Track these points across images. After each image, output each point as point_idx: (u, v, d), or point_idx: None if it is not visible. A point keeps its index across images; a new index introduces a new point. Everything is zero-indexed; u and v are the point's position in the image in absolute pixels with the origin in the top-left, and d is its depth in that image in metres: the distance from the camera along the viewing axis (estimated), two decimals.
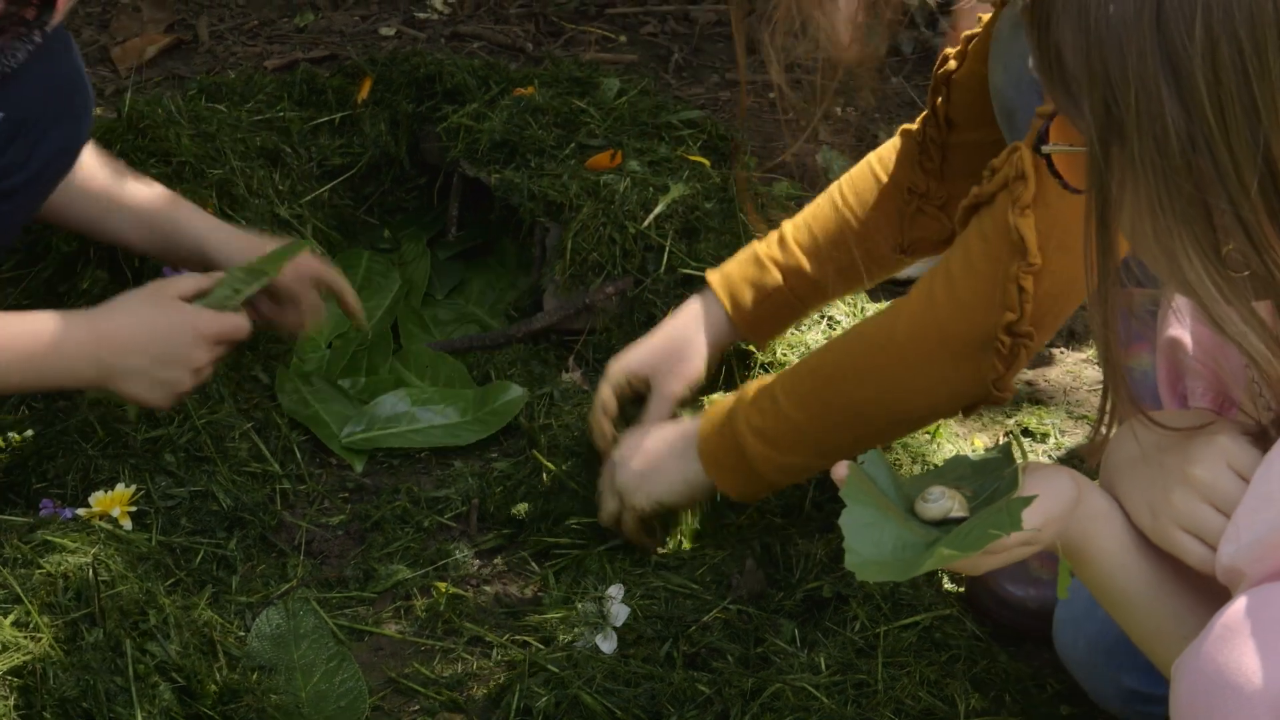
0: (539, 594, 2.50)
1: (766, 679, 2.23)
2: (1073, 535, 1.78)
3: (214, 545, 2.55)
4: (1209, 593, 1.76)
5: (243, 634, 2.40)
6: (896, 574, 1.67)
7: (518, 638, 2.41)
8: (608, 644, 2.34)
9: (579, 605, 2.40)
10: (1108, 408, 1.75)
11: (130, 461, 2.60)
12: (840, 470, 1.76)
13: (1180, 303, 2.04)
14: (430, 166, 3.38)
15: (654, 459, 2.50)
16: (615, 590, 2.40)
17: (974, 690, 2.26)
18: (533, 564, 2.59)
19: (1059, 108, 1.64)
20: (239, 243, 2.77)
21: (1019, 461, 1.78)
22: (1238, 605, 1.58)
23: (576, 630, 2.36)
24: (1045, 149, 1.70)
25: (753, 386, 2.42)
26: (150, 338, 2.49)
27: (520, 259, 3.27)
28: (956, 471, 1.82)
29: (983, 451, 1.89)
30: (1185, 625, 1.76)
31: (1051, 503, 1.74)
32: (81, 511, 2.46)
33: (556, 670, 2.27)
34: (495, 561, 2.62)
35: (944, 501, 1.75)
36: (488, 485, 2.73)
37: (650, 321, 3.00)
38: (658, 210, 3.07)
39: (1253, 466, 1.68)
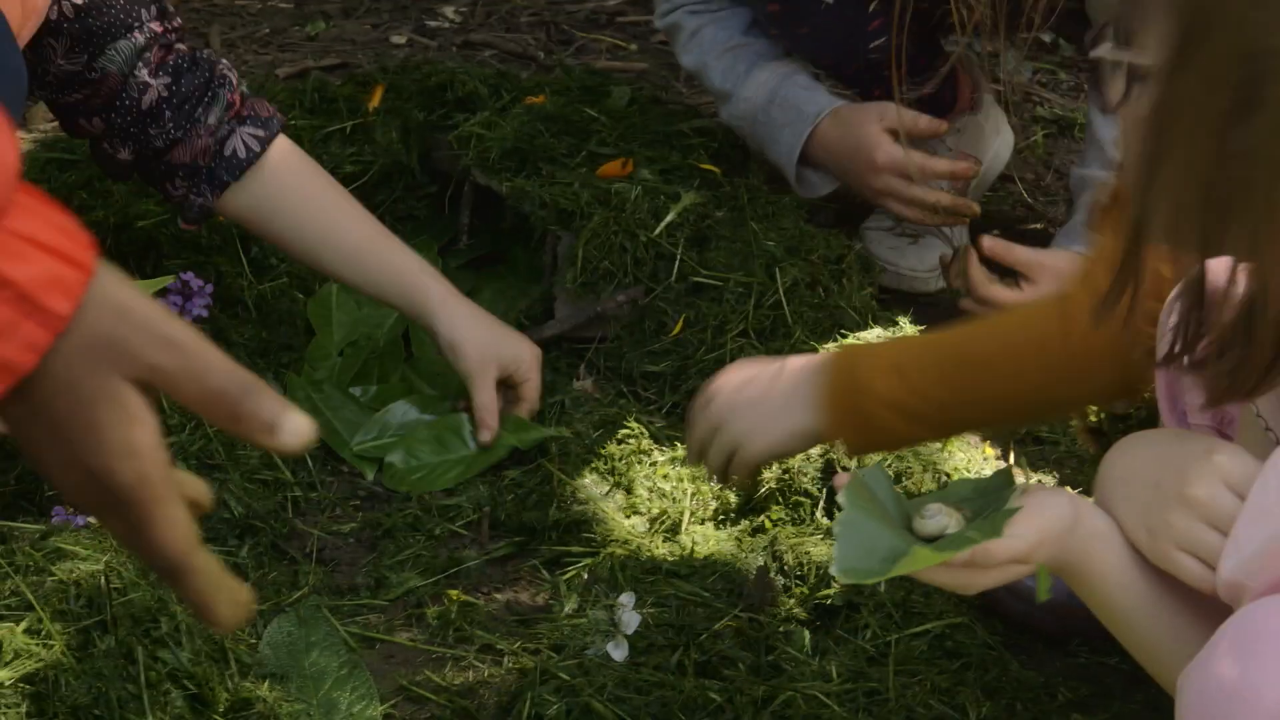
0: (550, 602, 2.50)
1: (778, 687, 2.23)
2: (1072, 555, 1.78)
3: (225, 553, 2.56)
4: (1209, 611, 1.76)
5: (254, 641, 2.40)
6: (876, 575, 1.68)
7: (529, 645, 2.41)
8: (619, 652, 2.34)
9: (590, 613, 2.40)
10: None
11: None
12: (841, 479, 1.76)
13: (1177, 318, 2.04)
14: (441, 174, 3.39)
15: (767, 409, 2.40)
16: (626, 598, 2.40)
17: (985, 698, 2.26)
18: (544, 572, 2.59)
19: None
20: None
21: (1018, 484, 1.79)
22: (1243, 618, 1.58)
23: (588, 638, 2.36)
24: (1095, 53, 1.69)
25: (880, 360, 2.35)
26: None
27: (531, 267, 3.27)
28: (957, 493, 1.83)
29: (986, 473, 1.89)
30: (1187, 643, 1.76)
31: (1045, 521, 1.74)
32: (94, 519, 2.46)
33: (568, 678, 2.27)
34: (506, 569, 2.62)
35: (940, 518, 1.75)
36: (499, 493, 2.73)
37: (662, 330, 3.00)
38: (669, 218, 3.07)
39: (1249, 484, 1.68)
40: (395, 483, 2.79)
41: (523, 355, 2.83)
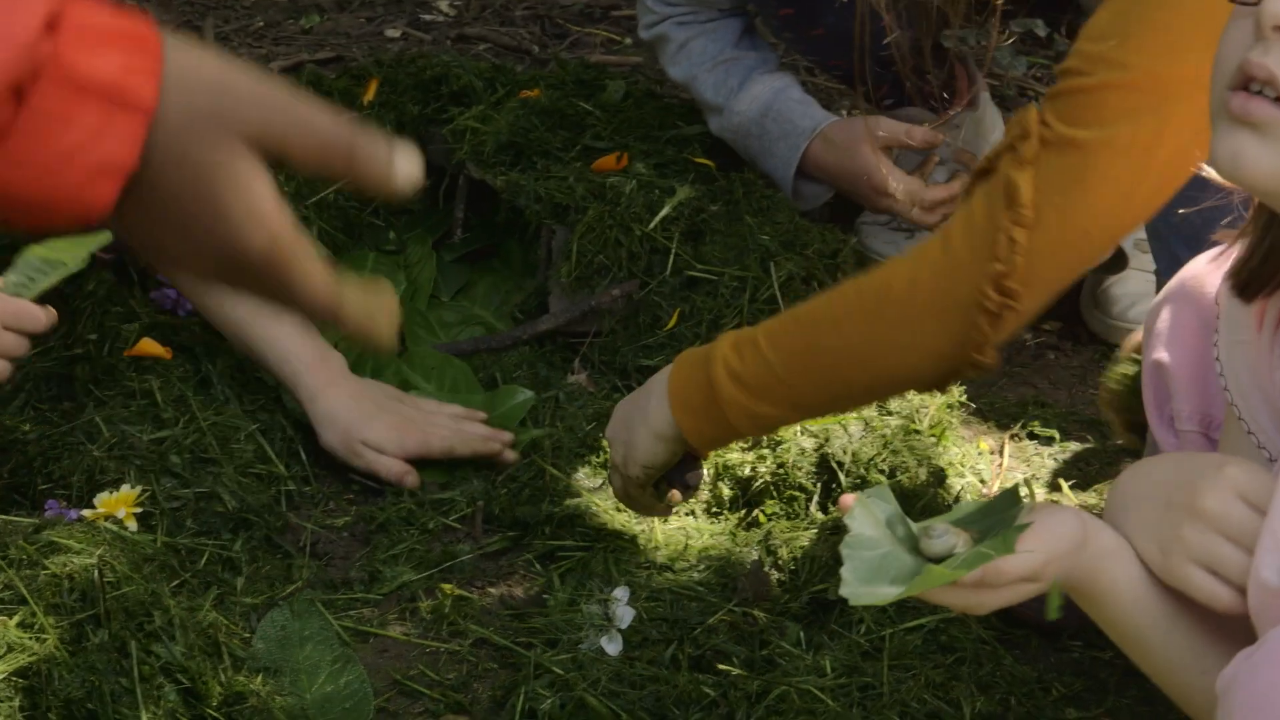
0: (544, 596, 2.50)
1: (772, 681, 2.23)
2: (1082, 574, 1.76)
3: (219, 546, 2.55)
4: (1224, 628, 1.75)
5: (248, 635, 2.40)
6: (886, 597, 1.67)
7: (522, 640, 2.40)
8: (613, 646, 2.33)
9: (584, 607, 2.40)
10: None
11: (136, 463, 2.59)
12: (847, 500, 1.74)
13: (1163, 324, 2.04)
14: (436, 168, 3.38)
15: (629, 424, 2.44)
16: (620, 592, 2.40)
17: (980, 693, 2.26)
18: (538, 566, 2.59)
19: None
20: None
21: (1025, 502, 1.77)
22: None
23: (582, 632, 2.36)
24: None
25: (733, 333, 2.36)
26: None
27: (526, 261, 3.27)
28: (963, 514, 1.81)
29: (983, 469, 1.88)
30: (1202, 659, 1.74)
31: (1054, 540, 1.71)
32: (87, 512, 2.46)
33: (561, 672, 2.27)
34: (500, 563, 2.62)
35: (948, 538, 1.72)
36: (493, 487, 2.73)
37: (656, 324, 3.00)
38: (664, 213, 3.07)
39: (1263, 493, 1.67)
40: None
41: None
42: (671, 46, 3.39)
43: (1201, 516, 1.70)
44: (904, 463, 2.71)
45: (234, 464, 2.66)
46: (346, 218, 3.30)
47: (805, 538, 2.52)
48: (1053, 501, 1.81)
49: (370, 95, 3.41)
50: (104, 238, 2.52)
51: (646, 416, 2.40)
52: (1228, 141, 1.61)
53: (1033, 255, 2.13)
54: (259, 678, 2.29)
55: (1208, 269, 1.99)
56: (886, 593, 1.66)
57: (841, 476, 2.64)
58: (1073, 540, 1.73)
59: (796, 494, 2.62)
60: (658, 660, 2.31)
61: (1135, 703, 2.33)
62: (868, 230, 3.41)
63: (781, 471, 2.64)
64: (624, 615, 2.37)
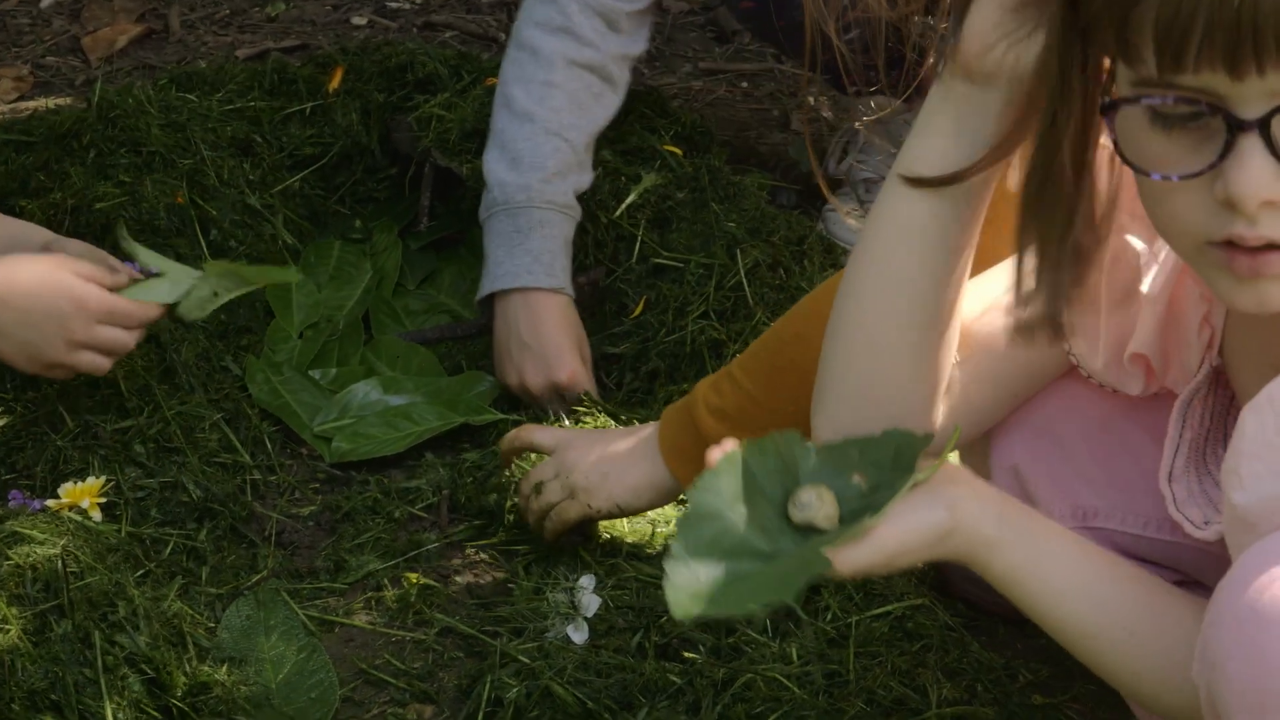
0: (510, 585, 2.49)
1: (738, 669, 2.23)
2: (952, 557, 1.75)
3: (184, 536, 2.55)
4: (1149, 583, 1.76)
5: (213, 625, 2.39)
6: (715, 608, 1.63)
7: (488, 628, 2.40)
8: (579, 635, 2.33)
9: (550, 596, 2.40)
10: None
11: (100, 452, 2.59)
12: (714, 454, 1.72)
13: (1008, 423, 2.05)
14: (402, 156, 3.37)
15: (615, 459, 2.47)
16: (586, 581, 2.40)
17: (946, 680, 2.26)
18: (503, 555, 2.59)
19: None
20: None
21: (914, 476, 1.71)
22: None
23: (548, 621, 2.36)
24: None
25: (709, 377, 2.41)
26: (25, 292, 2.45)
27: None
28: (858, 454, 1.75)
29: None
30: (1125, 622, 1.75)
31: (906, 533, 1.69)
32: (51, 503, 2.45)
33: (527, 661, 2.27)
34: (466, 552, 2.61)
35: (809, 510, 1.69)
36: (459, 476, 2.72)
37: (623, 311, 2.99)
38: (630, 200, 3.06)
39: None
40: (343, 454, 2.79)
41: None
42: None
43: None
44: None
45: (199, 453, 2.65)
46: (312, 206, 3.29)
47: None
48: (952, 469, 1.77)
49: (336, 83, 3.40)
50: (293, 275, 2.59)
51: (643, 464, 2.44)
52: (1248, 294, 1.57)
53: None
54: (224, 668, 2.29)
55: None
56: (711, 607, 1.63)
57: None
58: (931, 532, 1.71)
59: None
60: (624, 648, 2.31)
61: (1101, 689, 2.33)
62: (834, 217, 3.40)
63: None
64: (590, 603, 2.36)
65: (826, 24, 2.60)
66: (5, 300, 2.44)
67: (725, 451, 1.71)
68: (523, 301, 2.93)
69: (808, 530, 1.69)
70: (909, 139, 1.80)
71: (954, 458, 1.99)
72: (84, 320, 2.48)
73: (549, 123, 3.03)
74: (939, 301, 1.81)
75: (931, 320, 1.82)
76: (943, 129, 1.77)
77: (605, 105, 3.11)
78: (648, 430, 2.47)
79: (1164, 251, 1.80)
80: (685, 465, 2.40)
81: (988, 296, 1.90)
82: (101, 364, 2.53)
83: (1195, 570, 1.98)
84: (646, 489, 2.45)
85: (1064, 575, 1.76)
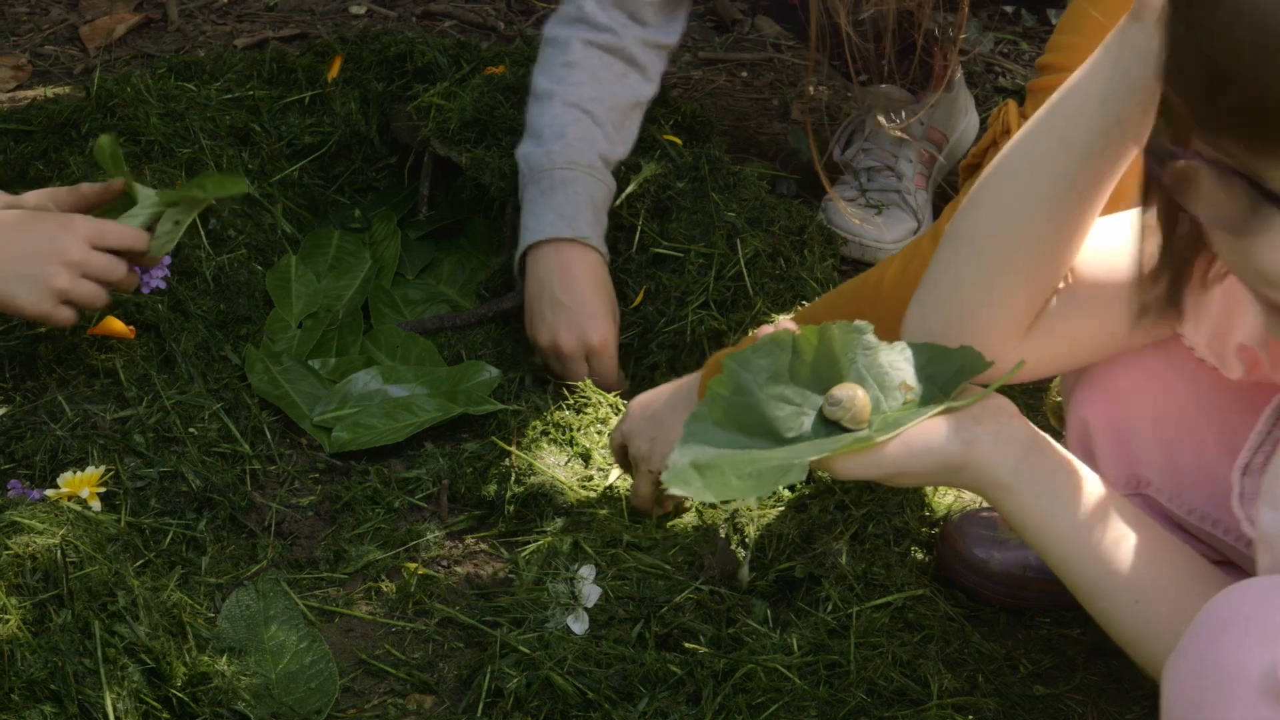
0: (510, 575, 2.49)
1: (739, 660, 2.23)
2: (974, 491, 1.80)
3: (183, 526, 2.54)
4: (1164, 558, 1.76)
5: (212, 615, 2.39)
6: (708, 484, 1.64)
7: (488, 619, 2.40)
8: (579, 625, 2.33)
9: (550, 586, 2.39)
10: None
11: (99, 442, 2.58)
12: (763, 329, 1.73)
13: (1091, 376, 2.04)
14: (401, 145, 3.37)
15: (659, 419, 2.51)
16: (587, 571, 2.39)
17: (947, 670, 2.26)
18: (504, 545, 2.59)
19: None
20: None
21: (948, 403, 1.74)
22: (1220, 601, 1.56)
23: (548, 611, 2.35)
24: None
25: (758, 330, 2.43)
26: (10, 224, 2.45)
27: (491, 238, 3.26)
28: (927, 361, 1.78)
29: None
30: (1132, 587, 1.76)
31: (914, 459, 1.73)
32: (50, 492, 2.45)
33: (528, 651, 2.27)
34: (466, 542, 2.61)
35: (837, 410, 1.73)
36: (459, 466, 2.72)
37: (622, 301, 2.99)
38: (629, 189, 3.06)
39: None
40: (343, 444, 2.79)
41: None
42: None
43: None
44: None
45: (198, 443, 2.65)
46: (311, 196, 3.29)
47: (772, 515, 2.52)
48: (998, 401, 1.79)
49: (335, 72, 3.40)
50: (240, 183, 2.59)
51: (680, 415, 2.45)
52: None
53: None
54: (224, 658, 2.29)
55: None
56: (704, 487, 1.64)
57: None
58: (939, 462, 1.75)
59: None
60: (624, 639, 2.31)
61: (1103, 680, 2.34)
62: (834, 207, 3.40)
63: None
64: (590, 594, 2.36)
65: (837, 14, 2.60)
66: (4, 242, 2.43)
67: (776, 329, 1.72)
68: (555, 256, 2.93)
69: (834, 426, 1.70)
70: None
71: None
72: (76, 240, 2.48)
73: (567, 96, 3.04)
74: (1070, 224, 1.82)
75: (1057, 240, 1.83)
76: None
77: (630, 85, 3.10)
78: (687, 383, 2.50)
79: None
80: None
81: (1107, 238, 1.90)
82: (101, 295, 2.54)
83: (1237, 559, 1.98)
84: None
85: (1075, 534, 1.79)
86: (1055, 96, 1.81)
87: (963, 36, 3.10)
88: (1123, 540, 1.79)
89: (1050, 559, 1.82)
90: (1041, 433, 1.84)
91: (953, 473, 1.77)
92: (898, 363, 1.78)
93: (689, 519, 2.58)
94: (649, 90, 3.13)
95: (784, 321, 1.73)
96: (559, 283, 2.90)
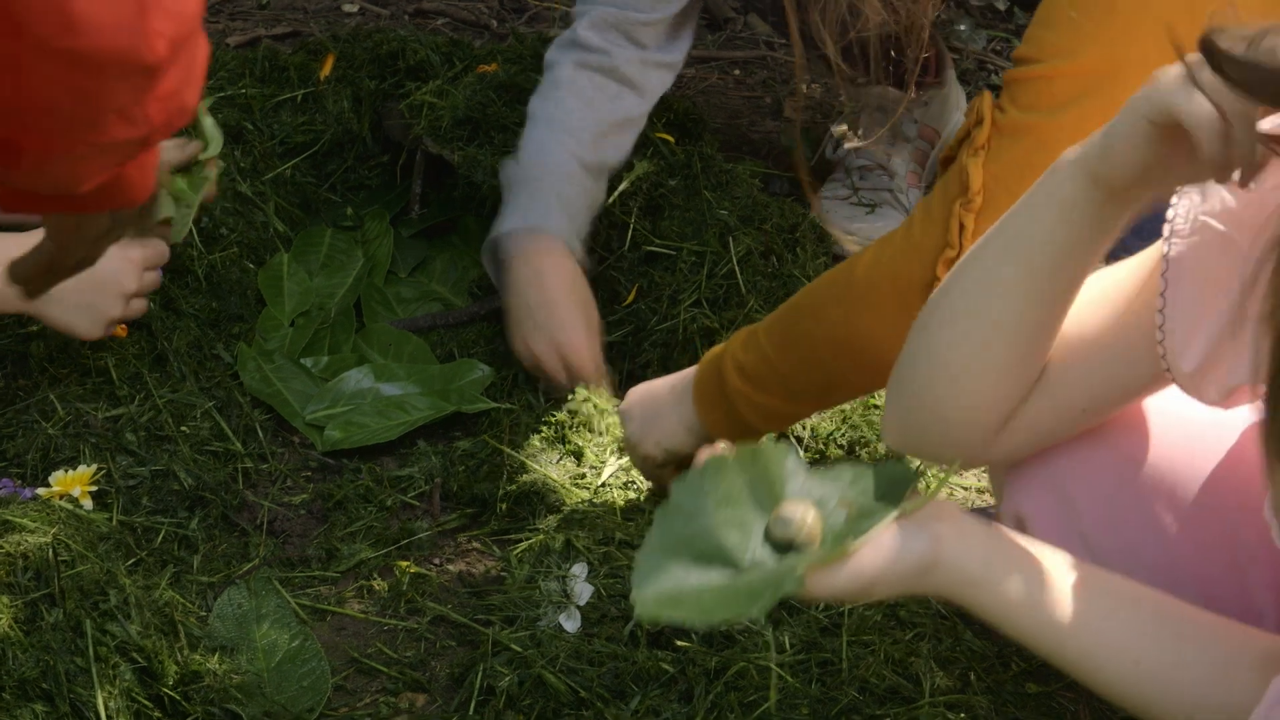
0: (502, 573, 2.49)
1: (730, 658, 2.23)
2: (945, 595, 1.73)
3: (175, 525, 2.54)
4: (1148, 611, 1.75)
5: (204, 614, 2.39)
6: (679, 613, 1.60)
7: (480, 617, 2.40)
8: (571, 623, 2.33)
9: (542, 584, 2.39)
10: None
11: (91, 440, 2.58)
12: (703, 454, 1.68)
13: (1025, 467, 2.02)
14: (393, 144, 3.37)
15: (656, 405, 2.54)
16: (579, 569, 2.39)
17: (939, 668, 2.26)
18: (496, 543, 2.59)
19: None
20: None
21: (902, 505, 1.68)
22: None
23: (540, 609, 2.35)
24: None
25: (745, 328, 2.44)
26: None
27: (483, 237, 3.25)
28: (850, 478, 1.72)
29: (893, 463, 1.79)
30: (1130, 651, 1.73)
31: (885, 561, 1.65)
32: (42, 491, 2.45)
33: (520, 650, 2.26)
34: (458, 540, 2.61)
35: (789, 529, 1.65)
36: (451, 464, 2.72)
37: (615, 299, 2.99)
38: (622, 187, 3.06)
39: None
40: (335, 443, 2.79)
41: None
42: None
43: None
44: (863, 437, 2.71)
45: (190, 442, 2.65)
46: (304, 194, 3.29)
47: None
48: (941, 504, 1.74)
49: (327, 70, 3.40)
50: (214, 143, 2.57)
51: (676, 405, 2.51)
52: None
53: None
54: (215, 656, 2.28)
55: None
56: (692, 607, 1.60)
57: (800, 451, 2.63)
58: (913, 565, 1.68)
59: None
60: (616, 637, 2.31)
61: None
62: (827, 205, 3.40)
63: None
64: (582, 592, 2.36)
65: (824, 44, 2.61)
66: None
67: (715, 453, 1.69)
68: (525, 264, 2.93)
69: (786, 547, 1.66)
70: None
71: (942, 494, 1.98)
72: (134, 271, 2.60)
73: (551, 116, 3.04)
74: (1058, 296, 1.81)
75: (1045, 318, 1.82)
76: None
77: (624, 105, 3.10)
78: (685, 374, 2.52)
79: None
80: (711, 412, 2.46)
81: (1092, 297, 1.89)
82: (144, 309, 2.68)
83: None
84: (683, 432, 2.51)
85: (1061, 611, 1.73)
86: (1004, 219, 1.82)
87: (960, 28, 3.10)
88: (1107, 606, 1.74)
89: (1040, 646, 1.75)
90: (994, 523, 1.81)
91: (925, 573, 1.69)
92: (827, 483, 1.73)
93: None
94: (644, 108, 3.13)
95: (720, 444, 1.70)
96: (534, 296, 2.90)
